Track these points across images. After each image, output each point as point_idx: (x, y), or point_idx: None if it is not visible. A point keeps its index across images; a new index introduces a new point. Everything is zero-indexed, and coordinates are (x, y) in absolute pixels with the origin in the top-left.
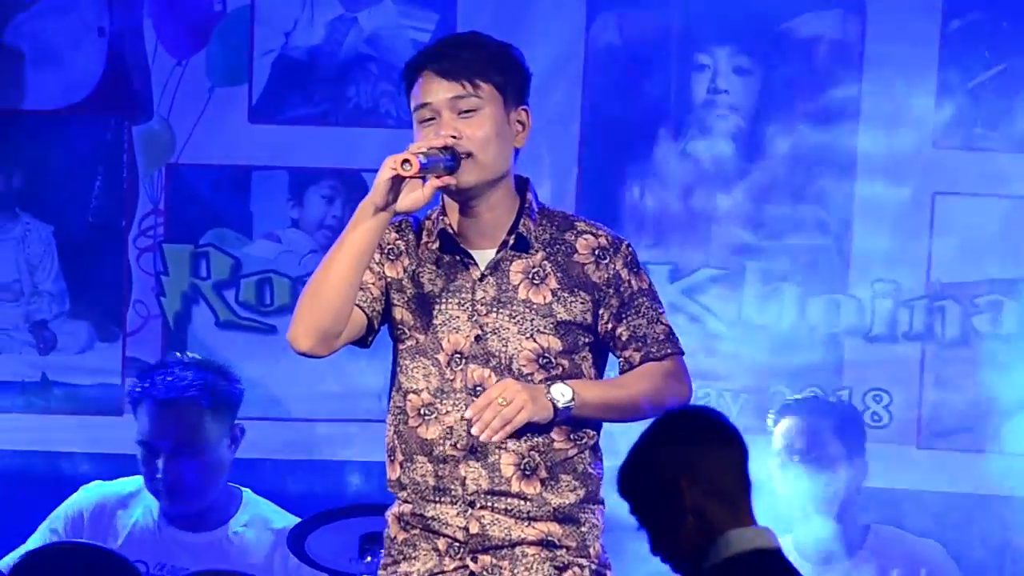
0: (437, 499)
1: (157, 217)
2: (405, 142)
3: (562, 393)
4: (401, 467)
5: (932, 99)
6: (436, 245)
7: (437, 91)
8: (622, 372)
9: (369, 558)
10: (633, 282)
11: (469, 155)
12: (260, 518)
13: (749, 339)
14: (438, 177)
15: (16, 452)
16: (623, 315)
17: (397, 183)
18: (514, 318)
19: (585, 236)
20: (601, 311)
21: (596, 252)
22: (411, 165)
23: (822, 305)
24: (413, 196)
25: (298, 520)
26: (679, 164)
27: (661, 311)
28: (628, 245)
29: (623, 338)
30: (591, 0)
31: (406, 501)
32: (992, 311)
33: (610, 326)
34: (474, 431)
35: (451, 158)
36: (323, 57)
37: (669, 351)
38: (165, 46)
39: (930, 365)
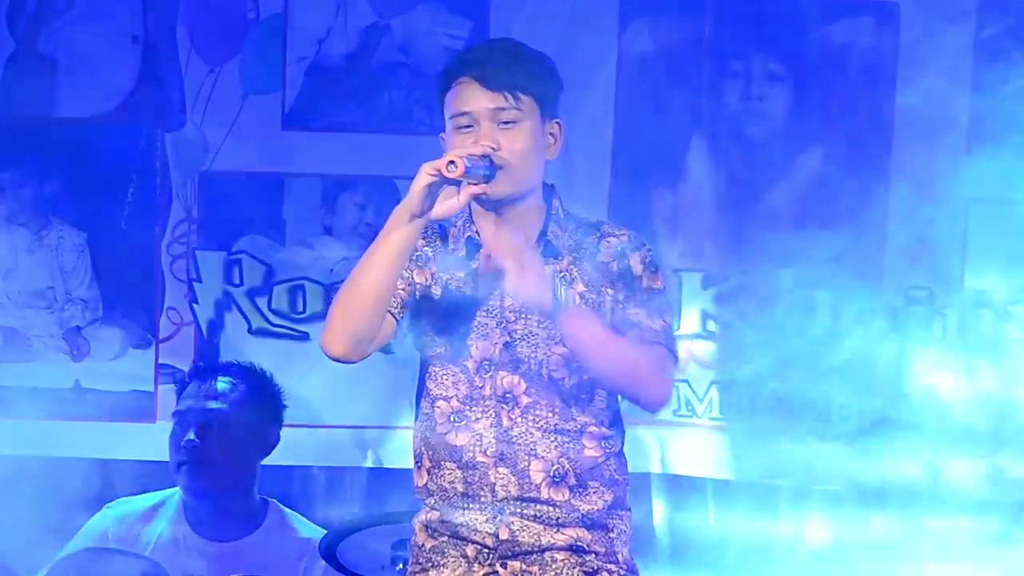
0: (466, 506)
1: (190, 224)
2: (438, 149)
3: (568, 295)
4: (429, 474)
5: (966, 105)
6: (463, 252)
7: (479, 100)
8: None
9: (400, 565)
10: (644, 279)
11: (504, 167)
12: (286, 527)
13: (783, 346)
14: (474, 184)
15: (49, 459)
16: (626, 304)
17: (434, 189)
18: (543, 324)
19: (609, 239)
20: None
21: (618, 249)
22: (456, 167)
23: (855, 312)
24: (448, 203)
25: (323, 530)
26: (712, 171)
27: (666, 312)
28: (648, 248)
29: (617, 324)
30: (624, 7)
31: (433, 508)
32: None
33: (613, 314)
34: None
35: (489, 167)
36: (356, 64)
37: (659, 342)
38: (198, 53)
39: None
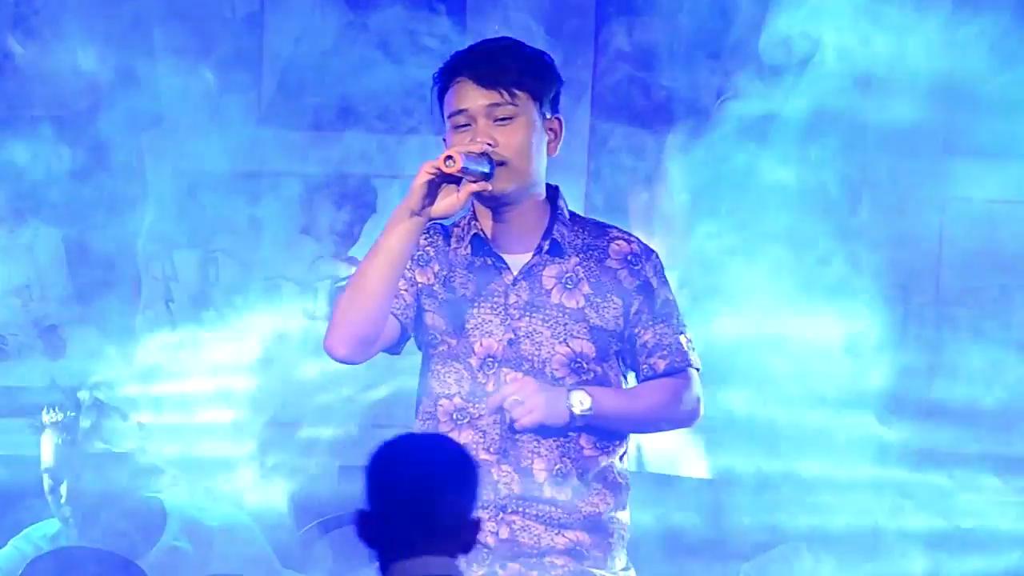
0: None
1: (167, 223)
2: (415, 147)
3: (581, 401)
4: None
5: (942, 105)
6: (467, 250)
7: (474, 98)
8: (643, 379)
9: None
10: (661, 292)
11: (503, 163)
12: (193, 524)
13: (760, 344)
14: (474, 182)
15: (24, 457)
16: (651, 323)
17: (433, 188)
18: (547, 322)
19: (617, 242)
20: (630, 317)
21: (628, 258)
22: (454, 161)
23: (832, 308)
24: (448, 201)
25: (236, 510)
26: (688, 168)
27: (683, 323)
28: (657, 255)
29: (649, 345)
30: (600, 5)
31: None
32: (1002, 317)
33: (637, 331)
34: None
35: (488, 164)
36: (333, 62)
37: (688, 363)
38: (175, 52)
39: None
